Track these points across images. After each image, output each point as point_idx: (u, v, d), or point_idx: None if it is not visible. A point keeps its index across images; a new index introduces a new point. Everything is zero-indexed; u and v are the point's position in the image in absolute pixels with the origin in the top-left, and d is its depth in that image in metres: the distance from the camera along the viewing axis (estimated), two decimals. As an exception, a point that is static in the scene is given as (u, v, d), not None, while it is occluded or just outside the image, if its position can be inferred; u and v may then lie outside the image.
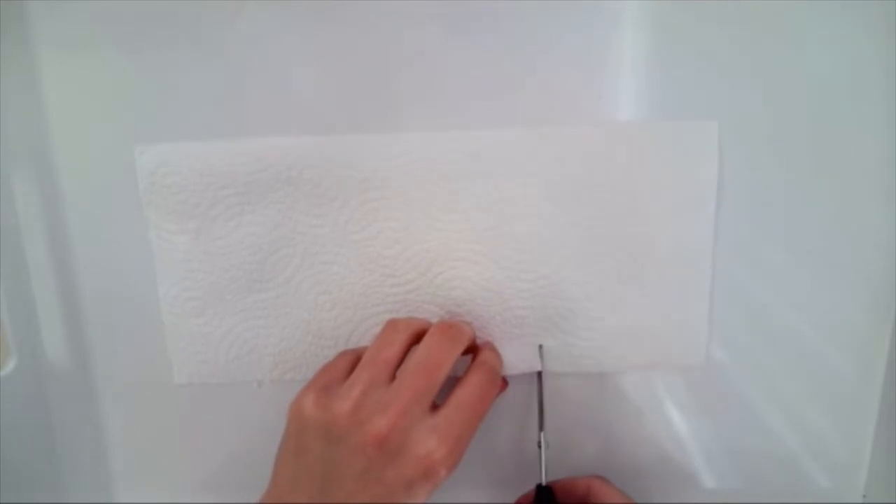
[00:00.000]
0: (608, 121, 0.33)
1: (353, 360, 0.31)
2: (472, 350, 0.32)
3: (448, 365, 0.29)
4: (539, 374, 0.34)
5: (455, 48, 0.33)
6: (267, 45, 0.33)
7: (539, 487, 0.33)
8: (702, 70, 0.32)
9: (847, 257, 0.34)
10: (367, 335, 0.36)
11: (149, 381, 0.38)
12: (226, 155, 0.34)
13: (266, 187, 0.34)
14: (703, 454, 0.37)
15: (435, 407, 0.28)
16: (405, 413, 0.27)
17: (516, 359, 0.35)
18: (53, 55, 0.34)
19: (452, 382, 0.30)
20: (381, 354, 0.29)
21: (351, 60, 0.33)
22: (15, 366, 0.36)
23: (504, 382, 0.34)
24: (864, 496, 0.37)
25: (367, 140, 0.34)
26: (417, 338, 0.31)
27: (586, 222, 0.34)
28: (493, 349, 0.33)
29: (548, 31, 0.32)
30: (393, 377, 0.29)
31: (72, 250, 0.37)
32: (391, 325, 0.31)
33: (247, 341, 0.36)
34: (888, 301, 0.34)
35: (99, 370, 0.38)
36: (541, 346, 0.35)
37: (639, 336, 0.35)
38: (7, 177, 0.35)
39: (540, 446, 0.33)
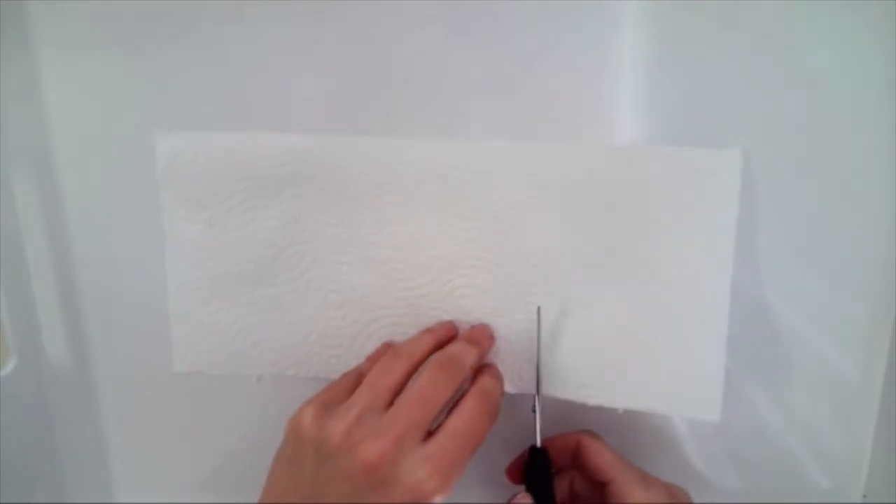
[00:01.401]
0: (605, 127, 0.33)
1: (356, 381, 0.31)
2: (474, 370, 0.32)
3: (444, 399, 0.29)
4: (538, 339, 0.33)
5: (455, 48, 0.33)
6: (267, 46, 0.33)
7: (533, 449, 0.32)
8: (701, 70, 0.32)
9: (847, 257, 0.34)
10: (373, 338, 0.36)
11: (149, 381, 0.38)
12: (247, 148, 0.34)
13: (283, 183, 0.34)
14: (703, 454, 0.37)
15: (430, 433, 0.28)
16: (397, 442, 0.26)
17: (516, 376, 0.34)
18: (53, 55, 0.34)
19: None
20: (381, 380, 0.29)
21: (350, 60, 0.33)
22: (15, 366, 0.36)
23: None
24: (864, 496, 0.37)
25: (385, 143, 0.33)
26: (419, 364, 0.30)
27: (598, 242, 0.33)
28: (494, 375, 0.32)
29: (548, 31, 0.32)
30: (391, 403, 0.28)
31: (72, 250, 0.37)
32: (393, 351, 0.31)
33: (251, 334, 0.36)
34: (888, 301, 0.34)
35: (99, 370, 0.38)
36: (539, 308, 0.33)
37: (647, 374, 0.33)
38: (7, 177, 0.35)
39: (534, 410, 0.32)
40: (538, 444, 0.32)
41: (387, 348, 0.34)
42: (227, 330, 0.36)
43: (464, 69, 0.33)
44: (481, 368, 0.32)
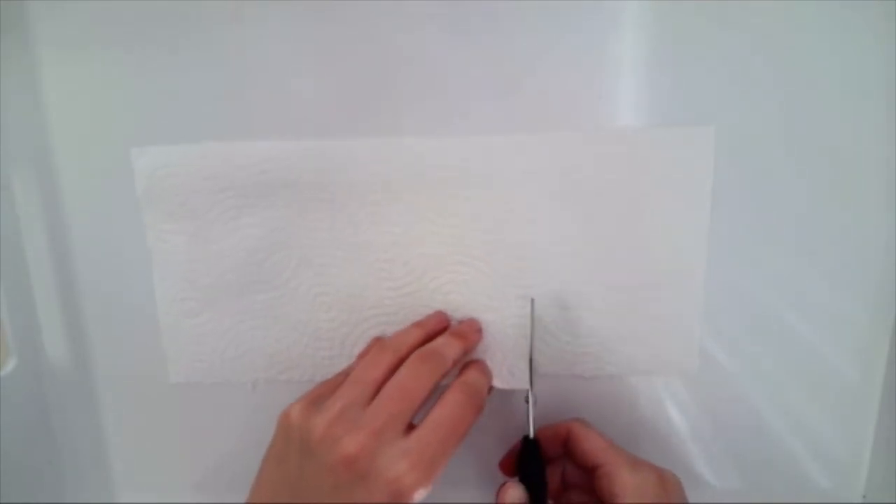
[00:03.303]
0: (605, 126, 0.33)
1: (346, 379, 0.31)
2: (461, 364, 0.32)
3: (425, 391, 0.29)
4: (531, 331, 0.34)
5: (455, 48, 0.33)
6: (267, 46, 0.33)
7: (525, 439, 0.33)
8: (701, 69, 0.32)
9: (847, 257, 0.34)
10: (363, 337, 0.36)
11: (149, 382, 0.38)
12: (226, 157, 0.34)
13: (266, 190, 0.34)
14: (703, 454, 0.37)
15: (412, 427, 0.28)
16: (376, 435, 0.26)
17: (507, 372, 0.35)
18: (53, 55, 0.34)
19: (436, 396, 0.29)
20: (366, 374, 0.29)
21: (350, 60, 0.33)
22: (15, 366, 0.36)
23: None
24: (864, 496, 0.37)
25: (367, 144, 0.34)
26: (406, 358, 0.30)
27: (584, 229, 0.34)
28: (480, 369, 0.32)
29: (548, 31, 0.32)
30: (375, 397, 0.29)
31: (72, 250, 0.37)
32: (379, 345, 0.31)
33: (243, 342, 0.37)
34: (888, 301, 0.34)
35: (99, 370, 0.38)
36: (532, 300, 0.34)
37: (634, 342, 0.35)
38: (7, 177, 0.35)
39: (527, 401, 0.33)
40: (531, 434, 0.32)
41: (375, 342, 0.34)
42: (219, 339, 0.37)
43: (463, 69, 0.33)
44: (468, 363, 0.32)
